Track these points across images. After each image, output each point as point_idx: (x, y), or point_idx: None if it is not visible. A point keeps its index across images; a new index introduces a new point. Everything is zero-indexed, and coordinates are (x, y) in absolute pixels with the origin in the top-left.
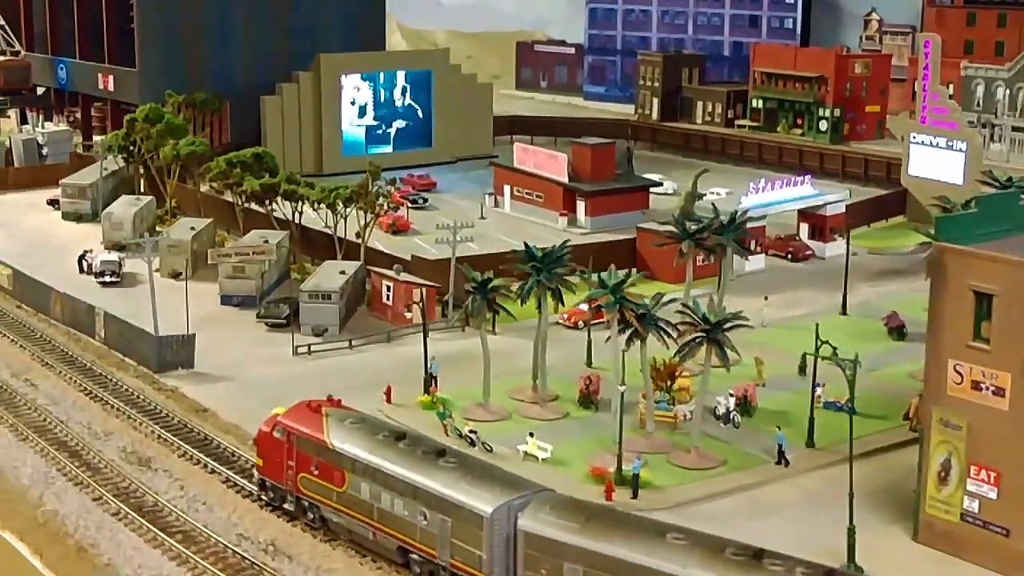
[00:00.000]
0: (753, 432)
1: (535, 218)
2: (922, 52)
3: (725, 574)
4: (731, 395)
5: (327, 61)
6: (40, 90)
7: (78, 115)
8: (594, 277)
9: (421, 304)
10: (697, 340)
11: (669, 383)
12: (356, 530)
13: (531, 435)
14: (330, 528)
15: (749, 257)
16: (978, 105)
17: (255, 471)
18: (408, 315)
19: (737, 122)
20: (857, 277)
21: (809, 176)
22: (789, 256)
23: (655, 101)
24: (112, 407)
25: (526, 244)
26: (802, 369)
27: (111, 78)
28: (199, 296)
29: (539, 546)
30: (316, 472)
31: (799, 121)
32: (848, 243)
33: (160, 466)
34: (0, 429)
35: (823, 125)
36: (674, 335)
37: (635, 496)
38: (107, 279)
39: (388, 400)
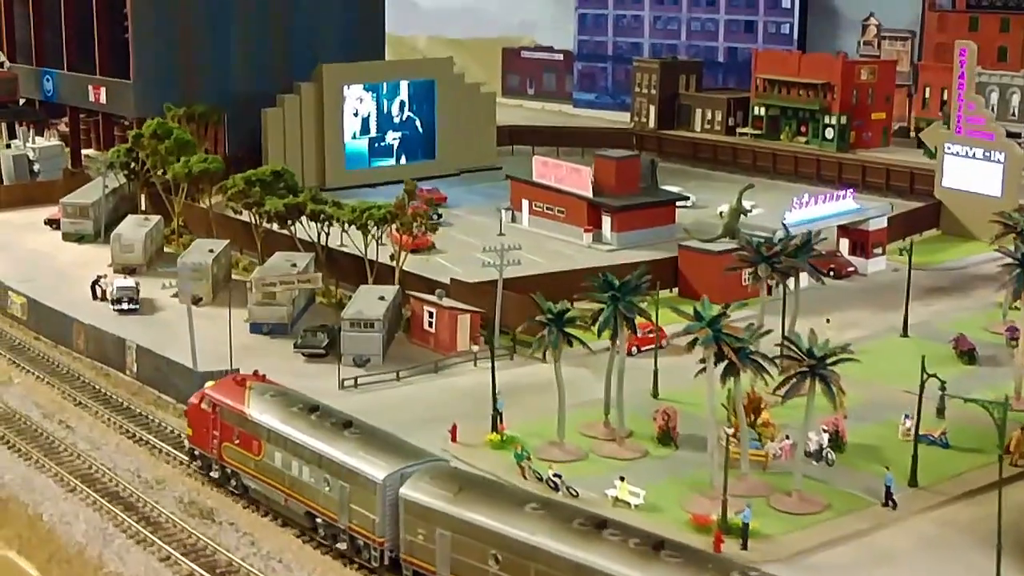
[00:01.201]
0: (849, 469)
1: (557, 234)
2: (957, 61)
3: (565, 539)
4: (824, 430)
5: (329, 71)
6: (21, 102)
7: (60, 127)
8: (688, 309)
9: (490, 338)
10: (801, 376)
11: (754, 418)
12: (271, 496)
13: (621, 479)
14: (250, 495)
15: (825, 281)
16: (992, 112)
17: (186, 441)
18: (475, 348)
19: (739, 130)
20: (903, 295)
21: (852, 190)
22: (831, 273)
23: (652, 109)
24: (159, 451)
25: (602, 273)
26: (940, 411)
27: (103, 90)
28: (223, 323)
29: (416, 512)
30: (237, 441)
31: (803, 129)
32: (910, 260)
33: (224, 518)
34: (44, 479)
35: (829, 133)
36: (771, 370)
37: (744, 547)
38: (125, 306)
39: (453, 439)
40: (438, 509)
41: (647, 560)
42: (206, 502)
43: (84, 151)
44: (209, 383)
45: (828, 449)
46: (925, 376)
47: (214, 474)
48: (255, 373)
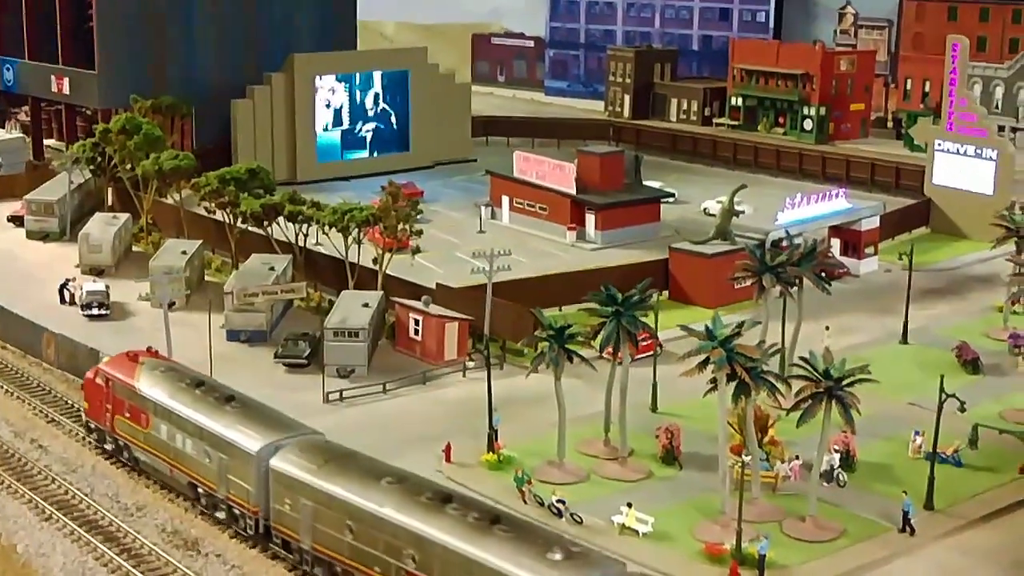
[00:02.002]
0: (861, 491)
1: (539, 232)
2: (949, 56)
3: (411, 512)
4: (836, 450)
5: (300, 61)
6: None
7: (20, 117)
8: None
9: (485, 351)
10: (816, 397)
11: (760, 436)
12: (158, 467)
13: (629, 505)
14: (140, 466)
15: (830, 291)
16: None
17: (83, 414)
18: (471, 364)
19: (715, 120)
20: (898, 297)
21: (844, 190)
22: (823, 275)
23: (626, 98)
24: (138, 474)
25: (606, 286)
26: (973, 442)
27: (66, 80)
28: (198, 329)
29: (284, 483)
30: (128, 415)
31: (781, 120)
32: (911, 264)
33: (211, 549)
34: (17, 506)
35: (808, 124)
36: (783, 391)
37: None
38: (95, 311)
39: (448, 459)
40: (302, 480)
41: (481, 533)
42: (190, 531)
43: (46, 142)
44: (104, 359)
45: (839, 470)
46: (944, 396)
47: (108, 446)
48: (148, 349)
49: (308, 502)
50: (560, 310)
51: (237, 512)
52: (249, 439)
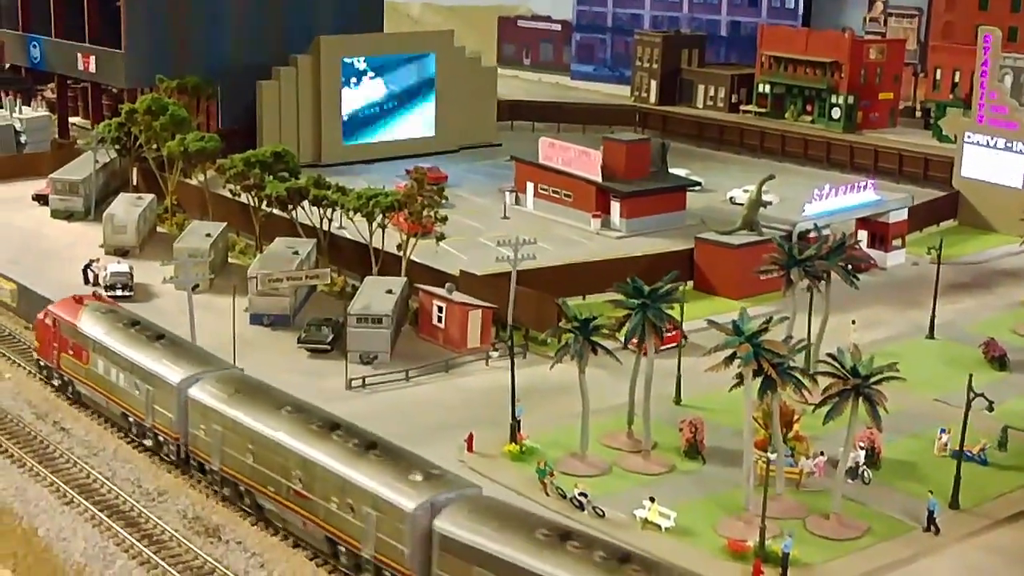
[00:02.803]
0: (886, 488)
1: (563, 219)
2: (980, 46)
3: (300, 437)
4: (861, 447)
5: (326, 43)
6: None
7: (46, 95)
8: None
9: (509, 342)
10: (843, 395)
11: (785, 431)
12: (96, 400)
13: (651, 499)
14: (81, 400)
15: (858, 285)
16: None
17: (34, 352)
18: (494, 353)
19: (742, 107)
20: (925, 291)
21: (873, 181)
22: (849, 268)
23: (653, 84)
24: (160, 459)
25: (632, 279)
26: (1003, 444)
27: (92, 59)
28: (221, 312)
29: (200, 410)
30: (71, 352)
31: (809, 108)
32: (939, 259)
33: (232, 536)
34: (39, 489)
35: (836, 113)
36: (809, 387)
37: None
38: (118, 293)
39: (470, 449)
40: (214, 408)
41: (356, 457)
42: (211, 517)
43: (71, 120)
44: (55, 302)
45: (864, 466)
46: (972, 395)
47: (55, 382)
48: (93, 294)
49: (218, 428)
50: (584, 299)
51: (161, 439)
52: (172, 371)
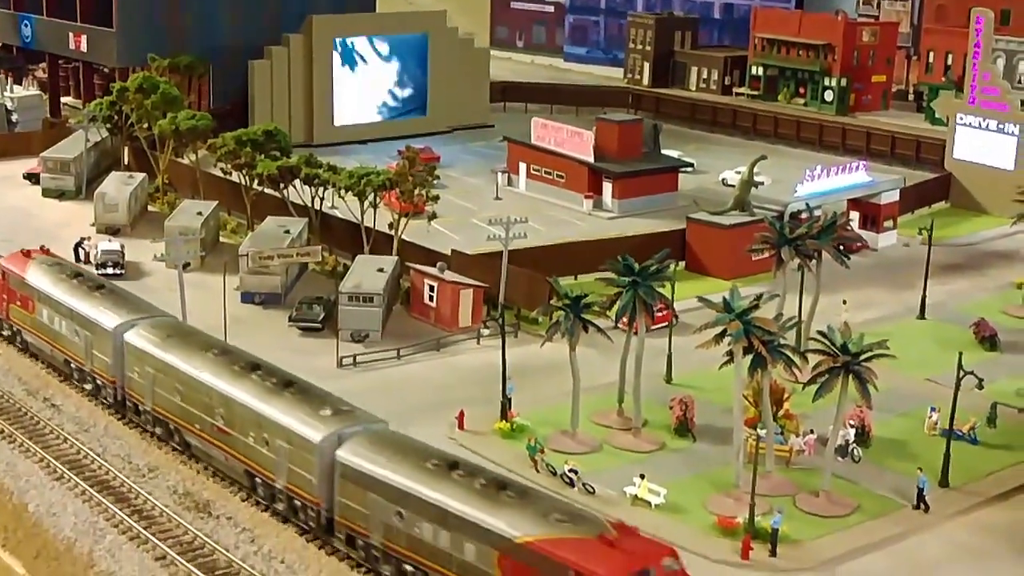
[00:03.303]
0: (875, 466)
1: (556, 200)
2: (973, 28)
3: (222, 377)
4: (851, 425)
5: (319, 23)
6: None
7: (38, 74)
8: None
9: (500, 320)
10: (834, 372)
11: (775, 409)
12: (41, 347)
13: (642, 476)
14: (29, 349)
15: (849, 265)
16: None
17: None
18: (485, 331)
19: (735, 90)
20: (916, 272)
21: (864, 163)
22: (841, 248)
23: (646, 66)
24: (150, 434)
25: (623, 256)
26: (992, 420)
27: (84, 38)
28: (212, 291)
29: (135, 354)
30: (19, 303)
31: (801, 91)
32: (931, 240)
33: (222, 512)
34: (29, 465)
35: (828, 95)
36: (800, 364)
37: (773, 553)
38: (109, 271)
39: (461, 426)
40: (147, 351)
41: (273, 395)
42: (202, 493)
43: (63, 99)
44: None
45: (854, 445)
46: (962, 373)
47: (5, 332)
48: (41, 248)
49: (150, 370)
50: (576, 279)
51: (100, 383)
52: (108, 318)
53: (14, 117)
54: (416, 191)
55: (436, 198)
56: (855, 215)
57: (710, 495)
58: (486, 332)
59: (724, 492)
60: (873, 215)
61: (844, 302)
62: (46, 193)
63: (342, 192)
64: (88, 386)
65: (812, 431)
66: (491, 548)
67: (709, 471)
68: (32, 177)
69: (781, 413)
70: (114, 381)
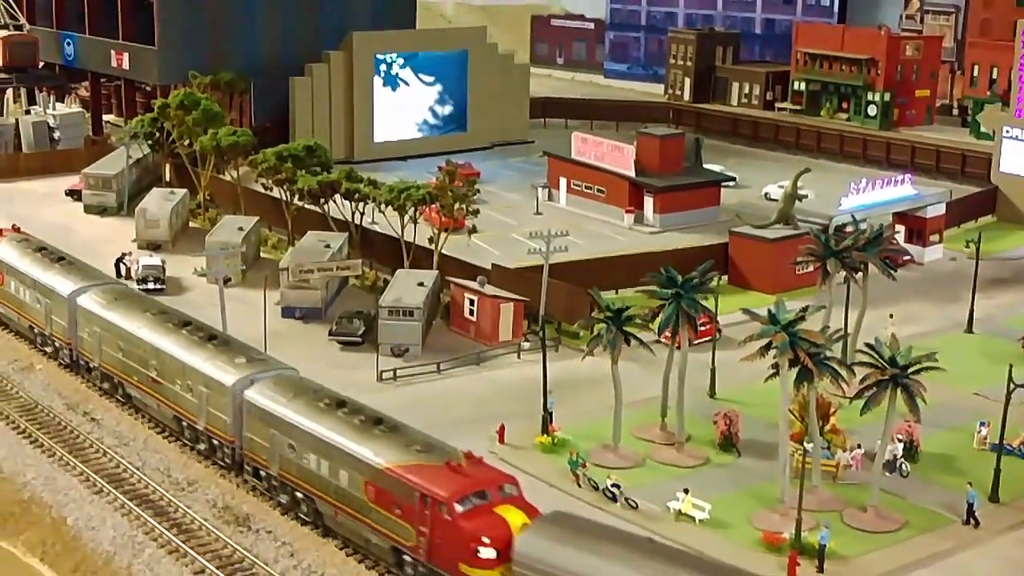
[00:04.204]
0: (923, 481)
1: (597, 214)
2: (1018, 41)
3: (156, 333)
4: (899, 439)
5: (360, 40)
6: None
7: (80, 92)
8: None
9: (541, 333)
10: (882, 385)
11: (821, 424)
12: (10, 316)
13: (685, 491)
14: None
15: (896, 277)
16: None
17: None
18: (526, 345)
19: (777, 105)
20: (963, 286)
21: (910, 176)
22: (887, 262)
23: (687, 81)
24: (190, 449)
25: (665, 268)
26: None
27: (125, 55)
28: (253, 306)
29: (85, 315)
30: None
31: (844, 105)
32: (978, 252)
33: (261, 526)
34: (69, 479)
35: (872, 110)
36: (846, 377)
37: (821, 569)
38: (150, 286)
39: (501, 440)
40: (95, 312)
41: (197, 347)
42: (241, 507)
43: (105, 117)
44: None
45: (902, 459)
46: (1012, 386)
47: None
48: (12, 227)
49: (98, 329)
50: (617, 293)
51: (59, 345)
52: (64, 285)
53: (56, 134)
54: (456, 205)
55: (476, 212)
56: (901, 229)
57: (755, 511)
58: (527, 346)
59: (770, 508)
60: (919, 229)
61: (890, 316)
62: (88, 209)
63: (382, 207)
64: (48, 348)
65: (859, 446)
66: (359, 474)
67: (754, 486)
68: (74, 194)
69: (827, 428)
70: (69, 342)
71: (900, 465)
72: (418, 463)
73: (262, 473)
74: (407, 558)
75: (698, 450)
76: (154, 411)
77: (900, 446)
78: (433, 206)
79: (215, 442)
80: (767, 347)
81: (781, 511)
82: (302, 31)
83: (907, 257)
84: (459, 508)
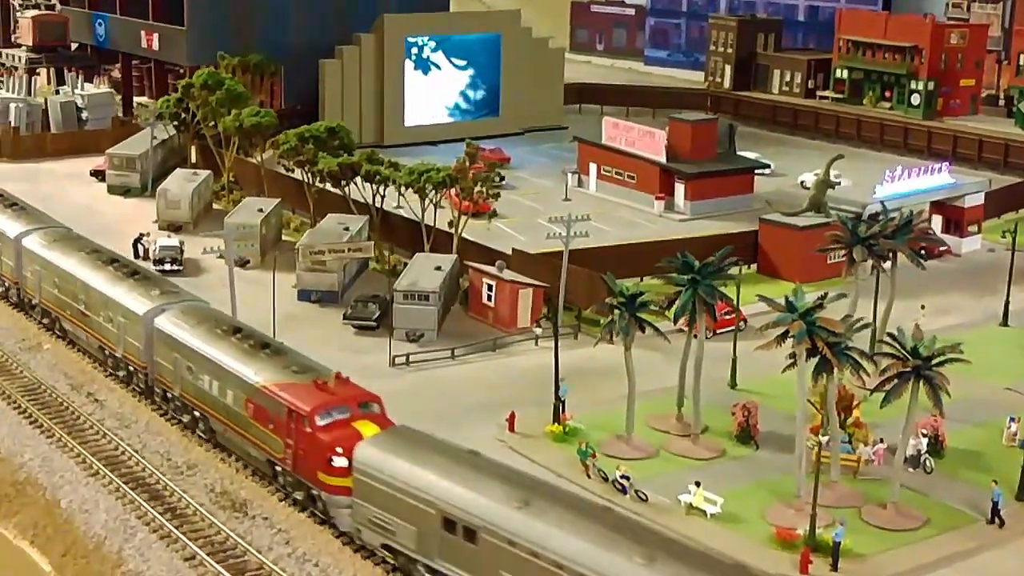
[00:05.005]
0: (948, 478)
1: (626, 201)
2: None
3: (86, 270)
4: (923, 434)
5: (391, 22)
6: (74, 47)
7: (114, 74)
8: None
9: (552, 317)
10: (903, 377)
11: (843, 416)
12: None
13: (697, 484)
14: None
15: (925, 266)
16: None
17: None
18: (538, 331)
19: (819, 93)
20: (1000, 278)
21: (948, 164)
22: (922, 252)
23: (727, 69)
24: (191, 431)
25: (682, 253)
26: None
27: (155, 36)
28: (270, 288)
29: (29, 256)
30: None
31: (887, 94)
32: (1014, 243)
33: (258, 512)
34: (66, 460)
35: (915, 99)
36: (868, 369)
37: (835, 568)
38: (167, 267)
39: (511, 428)
40: (37, 253)
41: (119, 281)
42: (239, 492)
43: (137, 99)
44: None
45: (926, 455)
46: None
47: None
48: None
49: (38, 268)
50: (641, 280)
51: (7, 284)
52: (12, 228)
53: (84, 115)
54: (476, 188)
55: (496, 196)
56: (938, 218)
57: (770, 505)
58: (538, 332)
59: (785, 502)
60: (956, 219)
61: (922, 307)
62: (111, 190)
63: (402, 189)
64: (0, 288)
65: (882, 440)
66: (242, 392)
67: (771, 480)
68: (98, 174)
69: (850, 420)
70: (17, 282)
71: (924, 461)
72: (290, 382)
73: (168, 395)
74: (278, 468)
75: (714, 442)
76: (83, 342)
77: (924, 441)
78: (454, 188)
79: (131, 368)
80: (784, 336)
81: (796, 506)
82: (333, 13)
83: (943, 247)
84: (319, 421)
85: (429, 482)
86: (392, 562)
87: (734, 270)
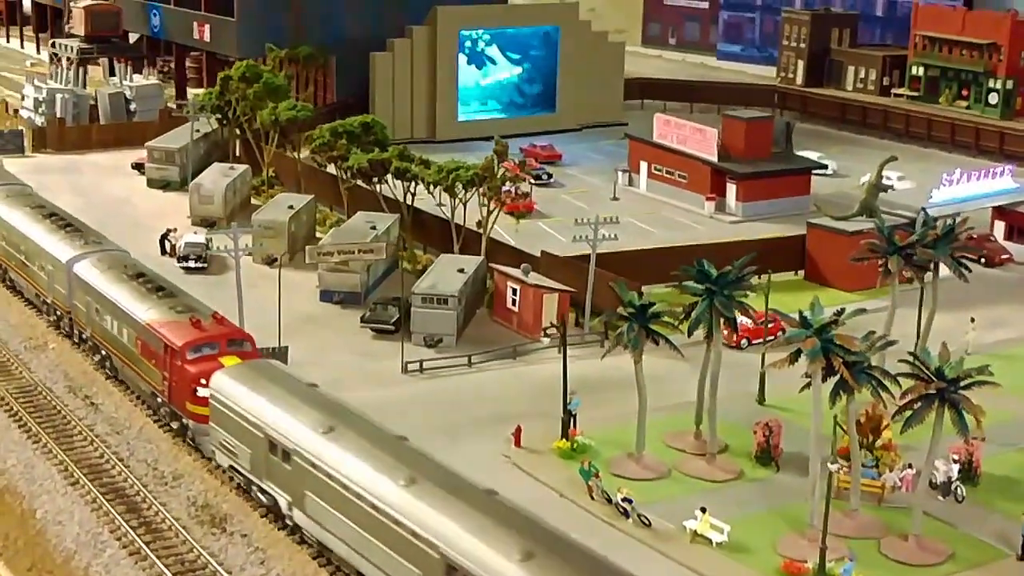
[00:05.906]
0: (980, 508)
1: (676, 201)
2: None
3: (41, 234)
4: (955, 459)
5: (444, 14)
6: (132, 38)
7: (171, 66)
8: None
9: (561, 326)
10: (926, 400)
11: (871, 439)
12: None
13: (703, 510)
14: None
15: (968, 278)
16: None
17: None
18: (545, 340)
19: (894, 91)
20: None
21: (1011, 167)
22: (982, 261)
23: (800, 64)
24: (183, 440)
25: (699, 261)
26: None
27: (207, 27)
28: (295, 289)
29: None
30: None
31: (964, 92)
32: None
33: (237, 528)
34: (48, 468)
35: (993, 98)
36: (892, 390)
37: None
38: (191, 264)
39: (517, 443)
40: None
41: (54, 233)
42: (221, 506)
43: (191, 91)
44: None
45: (958, 482)
46: None
47: None
48: None
49: (4, 232)
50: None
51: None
52: None
53: (132, 106)
54: (504, 187)
55: (527, 194)
56: (1000, 224)
57: (783, 534)
58: (545, 341)
59: (799, 532)
60: (1020, 225)
61: (972, 320)
62: (151, 183)
63: (430, 187)
64: None
65: (911, 465)
66: (133, 331)
67: (788, 505)
68: (140, 167)
69: (879, 443)
70: None
71: (956, 488)
72: (171, 320)
73: (83, 336)
74: (159, 400)
75: (732, 462)
76: (25, 290)
77: (956, 467)
78: (513, 202)
79: (58, 313)
80: (797, 354)
81: (810, 536)
82: (386, 5)
83: (1005, 256)
84: (189, 355)
85: (261, 409)
86: (239, 481)
87: (756, 280)
